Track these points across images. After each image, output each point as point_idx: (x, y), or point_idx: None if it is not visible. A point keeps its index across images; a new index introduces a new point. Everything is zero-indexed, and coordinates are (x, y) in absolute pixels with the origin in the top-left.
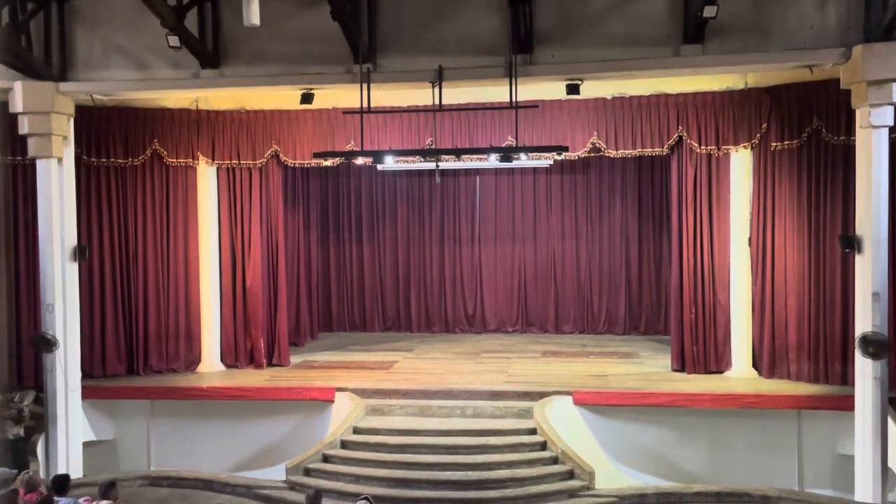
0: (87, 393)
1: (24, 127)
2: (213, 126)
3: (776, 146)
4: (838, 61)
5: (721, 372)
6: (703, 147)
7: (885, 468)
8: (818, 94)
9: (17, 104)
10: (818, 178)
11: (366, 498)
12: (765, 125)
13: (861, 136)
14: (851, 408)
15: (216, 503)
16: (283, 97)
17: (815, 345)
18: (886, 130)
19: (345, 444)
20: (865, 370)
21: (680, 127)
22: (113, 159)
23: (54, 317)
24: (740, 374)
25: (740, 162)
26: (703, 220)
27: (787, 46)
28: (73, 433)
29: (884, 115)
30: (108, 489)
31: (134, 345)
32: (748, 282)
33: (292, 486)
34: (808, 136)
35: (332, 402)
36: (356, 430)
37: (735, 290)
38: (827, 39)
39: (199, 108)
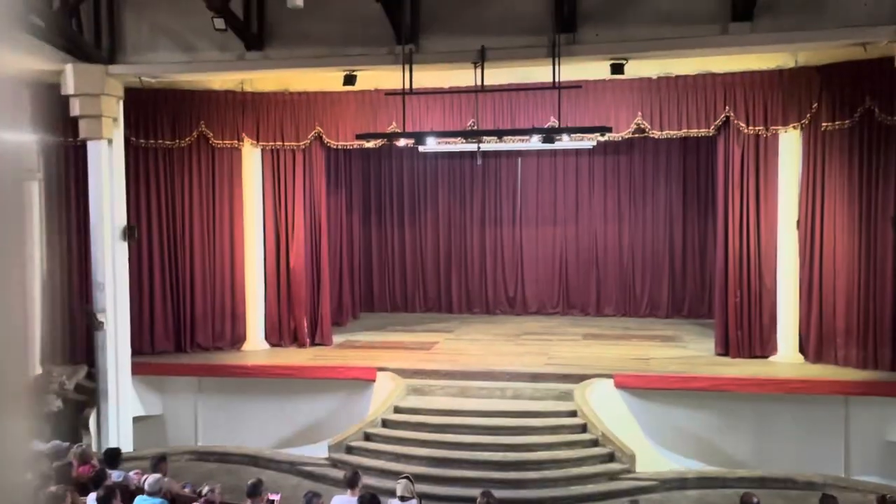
0: (137, 369)
1: (75, 109)
2: (257, 108)
3: (827, 126)
4: (893, 39)
5: (766, 357)
6: (750, 127)
7: None
8: (871, 73)
9: (69, 86)
10: (870, 160)
11: (406, 476)
12: (815, 105)
13: None
14: None
15: (255, 481)
16: (326, 79)
17: (864, 330)
18: None
19: (386, 423)
20: None
21: (727, 107)
22: (161, 141)
23: (105, 295)
24: (786, 358)
25: (789, 143)
26: (750, 202)
27: (841, 23)
28: (124, 408)
29: None
30: (158, 463)
31: (181, 323)
32: (795, 265)
33: (334, 464)
34: (860, 116)
35: (374, 381)
36: (397, 410)
37: (782, 273)
38: (882, 16)
39: (245, 89)
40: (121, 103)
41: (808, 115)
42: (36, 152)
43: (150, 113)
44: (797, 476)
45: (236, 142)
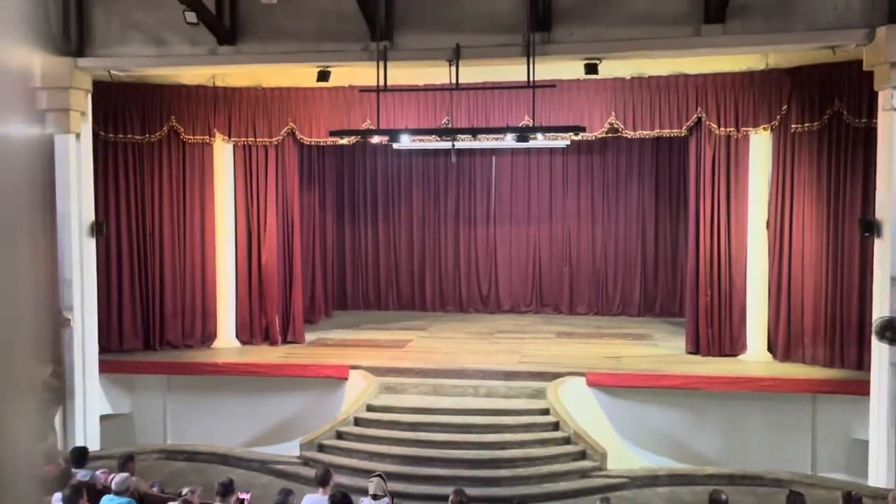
0: (105, 367)
1: (42, 102)
2: (229, 103)
3: (796, 128)
4: (862, 42)
5: (736, 355)
6: (721, 129)
7: None
8: (840, 76)
9: (36, 78)
10: (838, 162)
11: (379, 474)
12: (785, 107)
13: (883, 119)
14: (866, 393)
15: (226, 480)
16: (300, 74)
17: (832, 329)
18: None
19: (358, 422)
20: (881, 355)
21: (699, 108)
22: (130, 135)
23: (72, 292)
24: (755, 357)
25: (759, 144)
26: (721, 202)
27: (811, 27)
28: (91, 406)
29: None
30: (125, 462)
31: (150, 320)
32: (765, 265)
33: (306, 462)
34: (828, 118)
35: (346, 379)
36: (370, 408)
37: (752, 273)
38: (851, 20)
39: (216, 84)
40: (89, 97)
41: (779, 117)
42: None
43: (119, 107)
44: (765, 473)
45: (208, 137)
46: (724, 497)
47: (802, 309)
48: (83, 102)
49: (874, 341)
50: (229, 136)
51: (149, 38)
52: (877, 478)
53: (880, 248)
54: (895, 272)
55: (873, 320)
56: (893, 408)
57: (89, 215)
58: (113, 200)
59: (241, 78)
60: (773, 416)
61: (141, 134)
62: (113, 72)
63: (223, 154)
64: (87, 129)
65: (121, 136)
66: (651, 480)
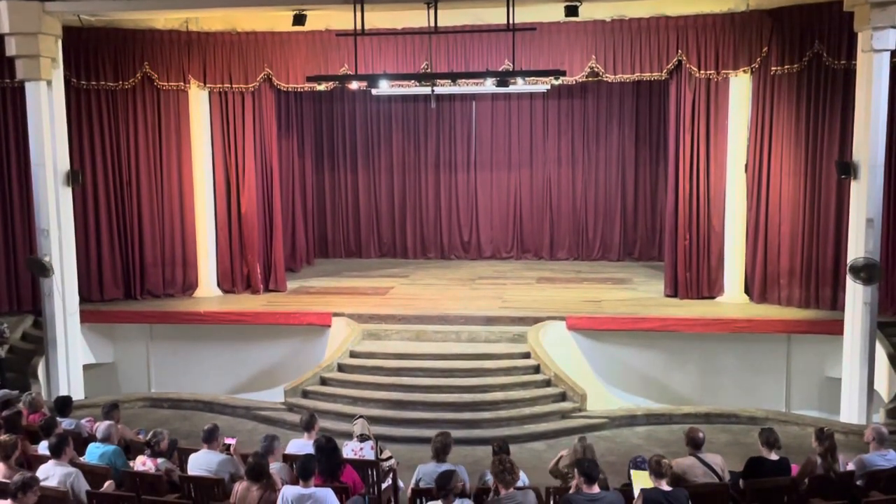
0: (86, 317)
1: (11, 48)
2: (203, 48)
3: (776, 70)
4: None
5: (713, 297)
6: (702, 71)
7: (870, 390)
8: (821, 17)
9: (3, 24)
10: (817, 104)
11: (361, 416)
12: (765, 49)
13: (862, 61)
14: (840, 332)
15: (211, 426)
16: (275, 18)
17: (807, 270)
18: (888, 55)
19: (342, 368)
20: (856, 295)
21: (679, 50)
22: (103, 82)
23: (49, 242)
24: (732, 299)
25: (739, 87)
26: (701, 146)
27: None
28: (73, 356)
29: (885, 39)
30: (110, 410)
31: (131, 270)
32: (743, 208)
33: (291, 408)
34: (808, 60)
35: (329, 326)
36: (353, 354)
37: (730, 216)
38: None
39: (189, 29)
40: (59, 43)
41: (759, 59)
42: None
43: (91, 53)
44: (740, 411)
45: (182, 84)
46: (700, 435)
47: (779, 251)
48: (53, 48)
49: (849, 282)
50: (204, 83)
51: None
52: (848, 414)
53: (857, 189)
54: (871, 214)
55: (848, 261)
56: (865, 346)
57: (64, 164)
58: (88, 149)
59: (214, 21)
60: (749, 356)
61: (114, 81)
62: (83, 16)
63: (199, 101)
64: (58, 75)
65: (93, 83)
66: (629, 420)
